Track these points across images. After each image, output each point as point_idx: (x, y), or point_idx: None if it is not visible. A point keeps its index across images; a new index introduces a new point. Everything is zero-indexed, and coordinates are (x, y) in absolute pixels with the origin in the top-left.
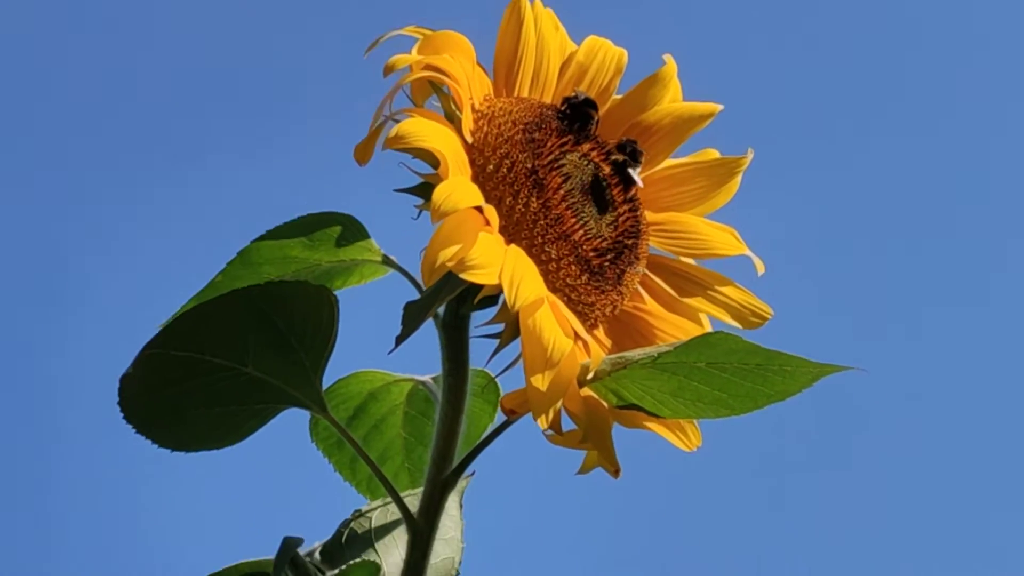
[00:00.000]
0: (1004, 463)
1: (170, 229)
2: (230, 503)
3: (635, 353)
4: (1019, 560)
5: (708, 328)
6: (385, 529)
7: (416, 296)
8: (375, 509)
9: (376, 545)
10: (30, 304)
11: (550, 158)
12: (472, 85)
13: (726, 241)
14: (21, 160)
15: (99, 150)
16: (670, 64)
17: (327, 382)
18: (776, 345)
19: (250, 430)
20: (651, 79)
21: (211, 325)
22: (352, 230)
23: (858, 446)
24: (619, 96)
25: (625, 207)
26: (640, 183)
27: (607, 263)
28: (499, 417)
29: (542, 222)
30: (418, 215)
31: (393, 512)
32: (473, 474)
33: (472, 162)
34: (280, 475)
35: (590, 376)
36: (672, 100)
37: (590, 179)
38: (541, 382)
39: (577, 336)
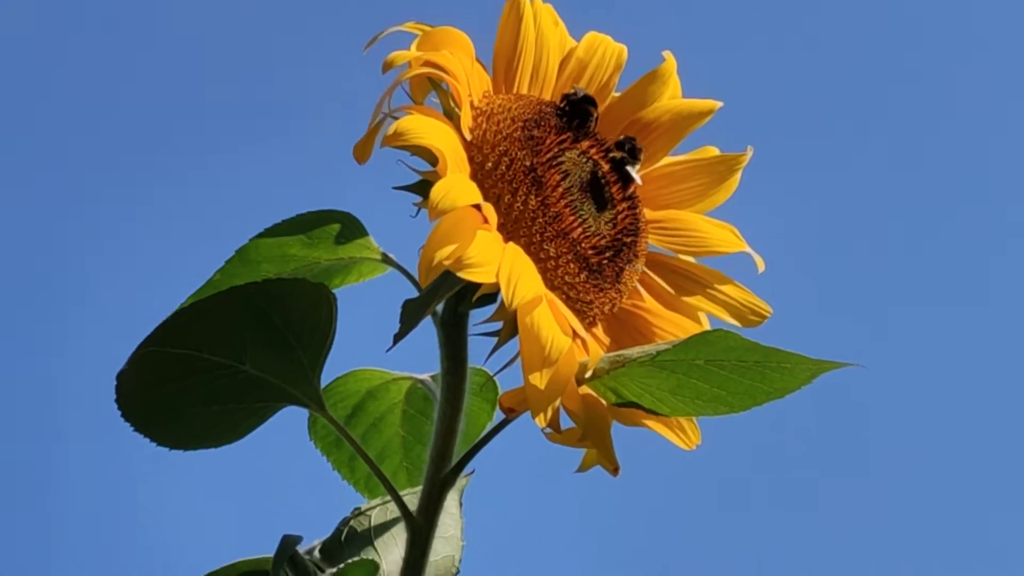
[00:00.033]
0: (1004, 461)
1: (169, 227)
2: (229, 501)
3: (634, 351)
4: (1019, 559)
5: (707, 326)
6: (384, 527)
7: (415, 294)
8: (375, 507)
9: (375, 543)
10: (30, 304)
11: (549, 155)
12: (471, 82)
13: (725, 239)
14: (21, 160)
15: (98, 148)
16: (670, 61)
17: (326, 380)
18: (775, 342)
19: (248, 428)
20: (651, 75)
21: (209, 323)
22: (351, 228)
23: (858, 444)
24: (618, 93)
25: (624, 204)
26: (639, 180)
27: (606, 261)
28: (498, 415)
29: (540, 220)
30: (417, 213)
31: (393, 510)
32: (473, 472)
33: (471, 159)
34: (279, 473)
35: (588, 374)
36: (671, 97)
37: (589, 176)
38: (539, 380)
39: (575, 334)
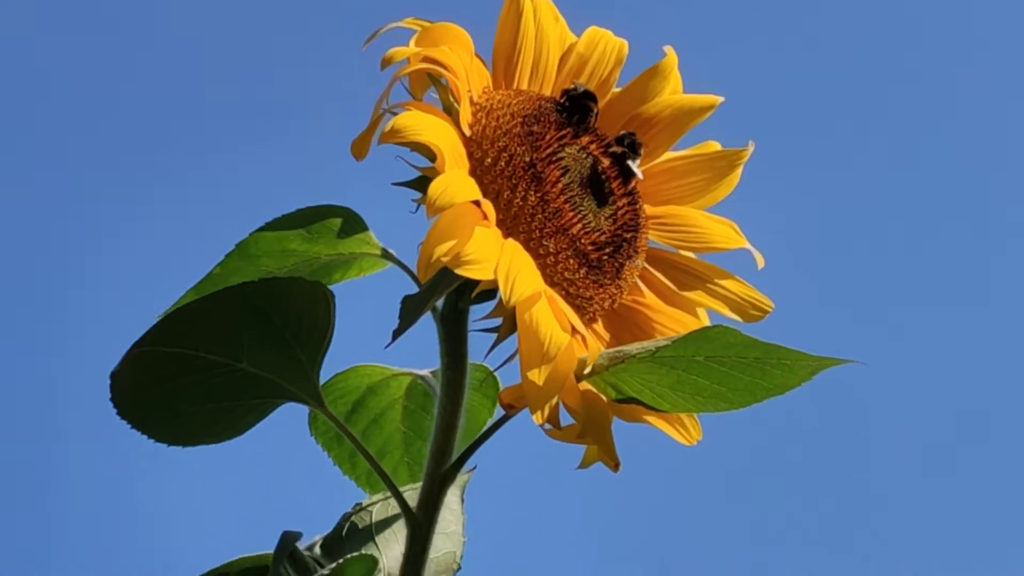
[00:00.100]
0: (1003, 459)
1: (169, 223)
2: (230, 498)
3: (634, 347)
4: (1019, 559)
5: (706, 322)
6: (386, 523)
7: (415, 290)
8: (376, 503)
9: (376, 539)
10: (30, 303)
11: (548, 151)
12: (470, 77)
13: (726, 234)
14: (21, 160)
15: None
16: (671, 56)
17: (325, 376)
18: (776, 339)
19: (248, 425)
20: (651, 71)
21: (205, 322)
22: (351, 223)
23: (857, 441)
24: (619, 88)
25: (624, 200)
26: (639, 176)
27: (606, 257)
28: (498, 411)
29: (540, 216)
30: (416, 209)
31: (394, 506)
32: (475, 468)
33: (470, 155)
34: (280, 469)
35: (588, 370)
36: (672, 92)
37: (589, 172)
38: (537, 377)
39: (575, 330)
